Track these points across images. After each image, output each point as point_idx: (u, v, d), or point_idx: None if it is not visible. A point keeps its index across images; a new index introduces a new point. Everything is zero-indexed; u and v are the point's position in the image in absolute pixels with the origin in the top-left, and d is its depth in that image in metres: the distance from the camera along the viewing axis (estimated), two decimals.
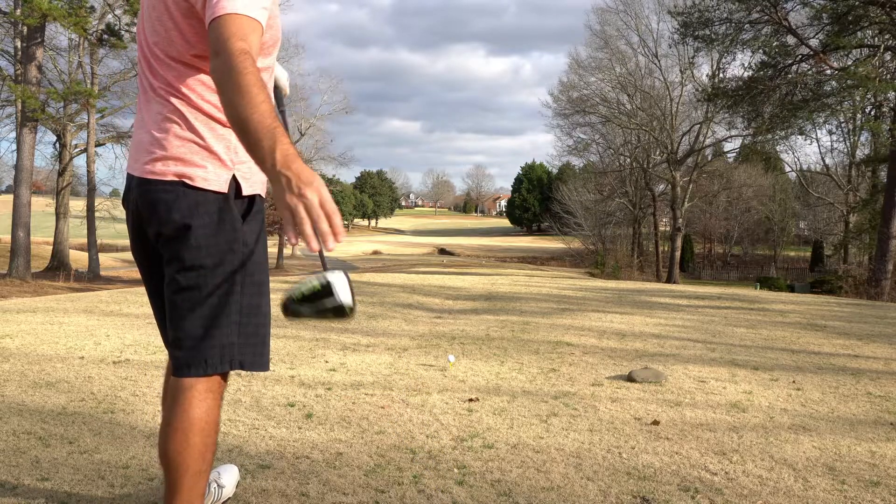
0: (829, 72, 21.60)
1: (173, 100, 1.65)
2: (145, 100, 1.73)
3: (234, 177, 1.67)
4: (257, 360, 1.74)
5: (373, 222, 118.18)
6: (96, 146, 29.87)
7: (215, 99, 1.65)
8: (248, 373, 3.99)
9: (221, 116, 1.65)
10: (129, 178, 1.74)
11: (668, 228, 44.19)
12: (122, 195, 1.81)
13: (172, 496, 1.71)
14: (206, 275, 1.64)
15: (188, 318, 1.67)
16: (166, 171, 1.64)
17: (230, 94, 1.41)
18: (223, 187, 1.64)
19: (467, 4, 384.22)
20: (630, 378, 4.13)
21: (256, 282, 1.72)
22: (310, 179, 1.30)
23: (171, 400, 1.72)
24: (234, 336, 1.69)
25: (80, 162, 32.16)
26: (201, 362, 1.67)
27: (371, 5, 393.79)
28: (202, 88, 1.65)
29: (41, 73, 24.48)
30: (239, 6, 1.51)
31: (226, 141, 1.67)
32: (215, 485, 2.14)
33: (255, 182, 1.71)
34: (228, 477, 2.23)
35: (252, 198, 1.72)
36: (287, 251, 51.88)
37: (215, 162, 1.65)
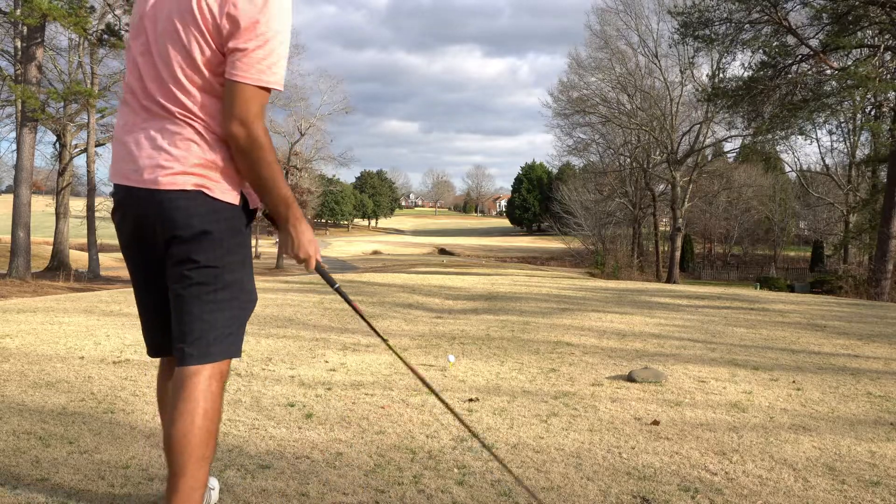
0: (829, 72, 21.58)
1: (194, 123, 1.81)
2: (146, 115, 1.84)
3: (241, 192, 1.91)
4: (239, 348, 1.95)
5: (373, 222, 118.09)
6: (96, 146, 29.83)
7: None
8: (248, 373, 4.00)
9: None
10: (128, 189, 1.85)
11: (668, 228, 44.15)
12: (114, 204, 1.96)
13: (177, 480, 1.77)
14: (218, 273, 1.86)
15: (197, 312, 1.85)
16: (187, 182, 1.83)
17: (256, 169, 1.81)
18: (236, 199, 1.89)
19: (462, 6, 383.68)
20: (630, 378, 4.13)
21: (251, 278, 1.98)
22: (308, 243, 1.91)
23: (176, 388, 1.83)
24: (234, 327, 1.90)
25: (80, 162, 32.14)
26: (207, 351, 1.84)
27: (368, 7, 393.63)
28: (220, 115, 1.83)
29: (41, 73, 24.46)
30: (272, 79, 1.78)
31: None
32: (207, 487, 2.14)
33: (256, 198, 1.97)
34: (213, 483, 2.26)
35: (254, 210, 2.00)
36: None
37: (231, 178, 1.88)
